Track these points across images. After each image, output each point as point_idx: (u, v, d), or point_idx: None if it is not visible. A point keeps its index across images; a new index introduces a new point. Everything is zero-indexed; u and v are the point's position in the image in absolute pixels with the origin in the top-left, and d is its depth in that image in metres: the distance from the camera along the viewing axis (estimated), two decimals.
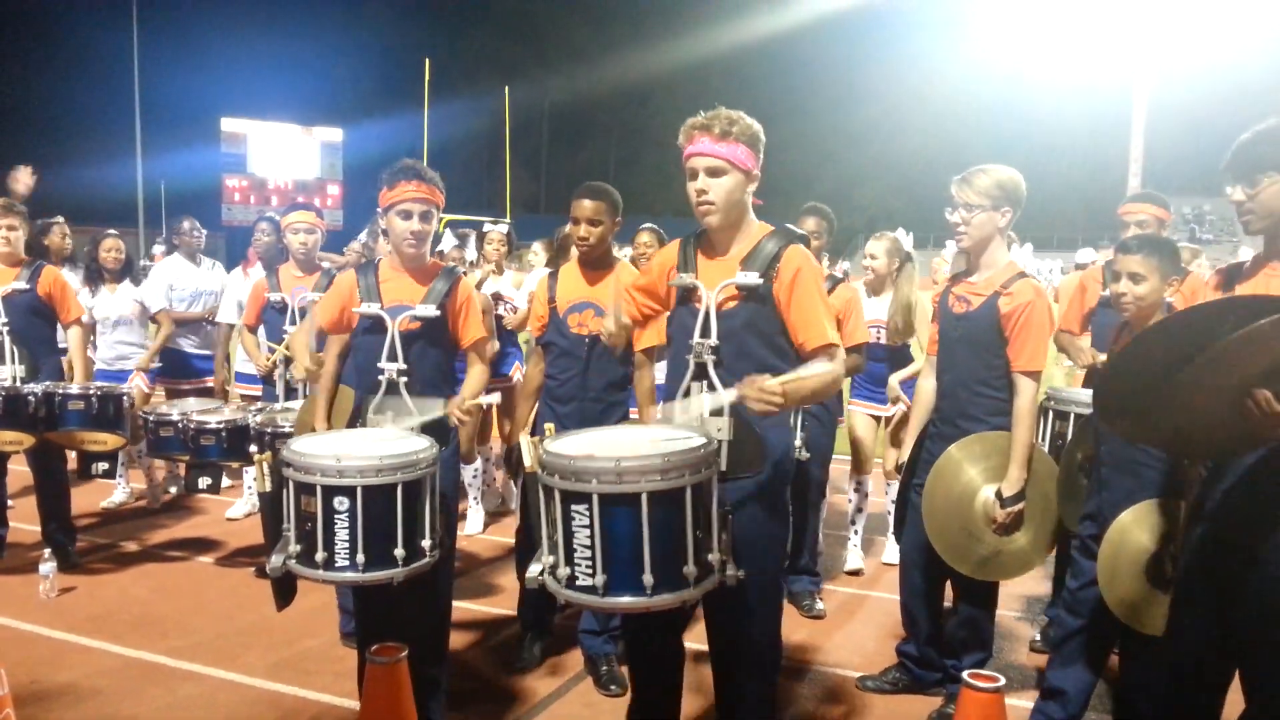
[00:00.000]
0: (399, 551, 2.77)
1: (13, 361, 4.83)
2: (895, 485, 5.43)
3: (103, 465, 5.07)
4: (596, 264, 3.83)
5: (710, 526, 2.43)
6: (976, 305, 3.43)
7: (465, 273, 4.37)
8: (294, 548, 2.80)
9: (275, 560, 2.82)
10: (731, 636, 2.81)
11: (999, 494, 3.38)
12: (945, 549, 3.47)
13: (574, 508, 2.33)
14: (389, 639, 2.96)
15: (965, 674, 2.31)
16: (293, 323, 4.98)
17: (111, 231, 6.38)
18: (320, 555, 2.72)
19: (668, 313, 2.98)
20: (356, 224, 5.59)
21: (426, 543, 2.87)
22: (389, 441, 2.94)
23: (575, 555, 2.35)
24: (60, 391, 4.79)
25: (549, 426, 3.31)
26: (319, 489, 2.71)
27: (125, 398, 4.98)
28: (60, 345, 5.37)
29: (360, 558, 2.72)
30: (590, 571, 2.34)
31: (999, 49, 42.94)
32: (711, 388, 2.68)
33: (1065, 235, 43.55)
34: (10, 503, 5.44)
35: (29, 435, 4.71)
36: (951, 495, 3.45)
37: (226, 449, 4.74)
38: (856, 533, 5.55)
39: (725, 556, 2.47)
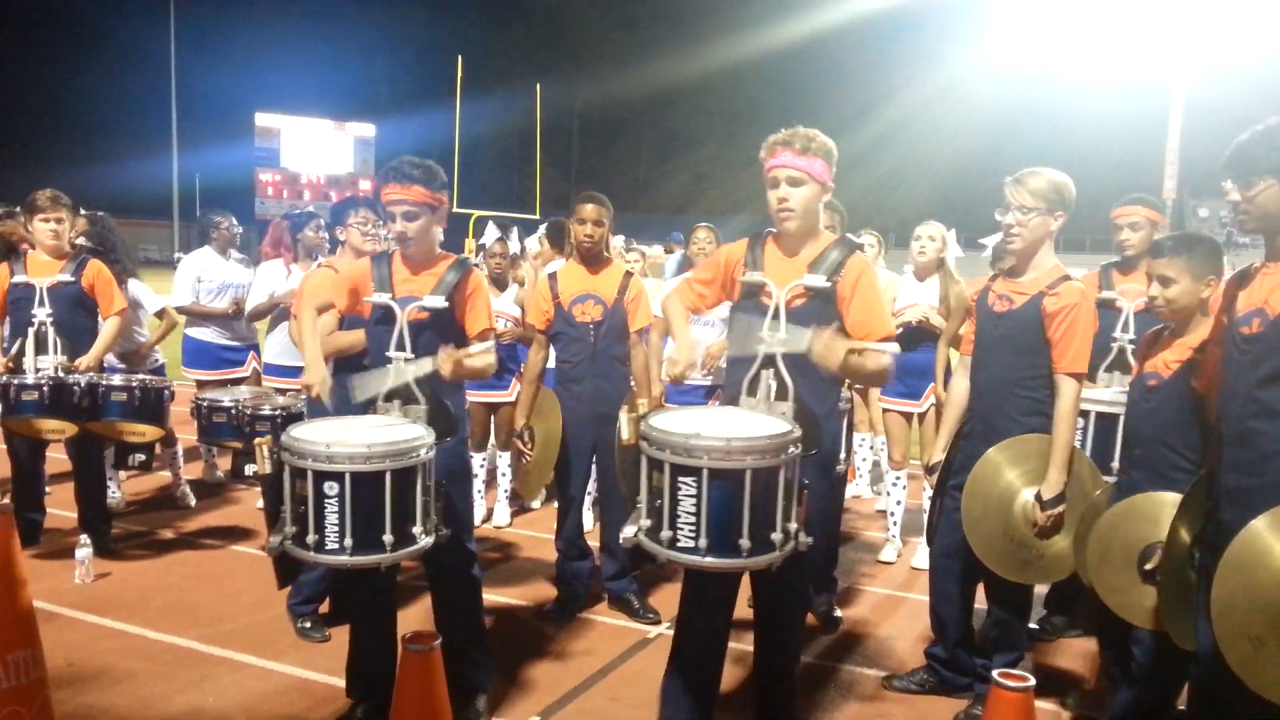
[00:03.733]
0: (387, 537, 2.89)
1: (55, 351, 4.91)
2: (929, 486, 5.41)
3: (139, 457, 5.14)
4: (596, 260, 4.47)
5: (791, 498, 2.72)
6: (1019, 304, 3.41)
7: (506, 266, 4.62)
8: (289, 529, 2.93)
9: (273, 540, 2.95)
10: (791, 598, 3.20)
11: (1039, 497, 3.37)
12: (987, 554, 3.45)
13: (682, 479, 2.63)
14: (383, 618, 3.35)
15: (995, 673, 2.29)
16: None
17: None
18: (311, 537, 2.87)
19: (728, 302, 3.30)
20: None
21: (418, 529, 2.99)
22: (384, 429, 3.06)
23: (679, 520, 2.65)
24: (104, 383, 4.87)
25: (641, 403, 3.43)
26: (310, 473, 2.84)
27: (166, 391, 5.05)
28: None
29: (348, 541, 2.86)
30: (693, 535, 2.63)
31: (1032, 49, 42.48)
32: (779, 377, 2.99)
33: (1100, 238, 43.03)
34: (47, 489, 5.53)
35: (72, 424, 4.80)
36: (991, 500, 3.43)
37: None
38: (895, 523, 5.54)
39: (799, 525, 2.77)
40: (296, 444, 2.88)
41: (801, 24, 48.37)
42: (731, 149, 56.35)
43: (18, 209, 5.52)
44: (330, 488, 2.83)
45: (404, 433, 3.04)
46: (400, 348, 3.29)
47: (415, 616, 4.39)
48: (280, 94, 48.57)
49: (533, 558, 5.41)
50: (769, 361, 3.01)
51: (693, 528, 2.63)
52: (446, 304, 3.33)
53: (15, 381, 4.72)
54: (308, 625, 4.19)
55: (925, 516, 5.44)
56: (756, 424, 2.79)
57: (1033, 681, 2.25)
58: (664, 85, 54.18)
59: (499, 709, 3.59)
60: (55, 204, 5.07)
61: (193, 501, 6.26)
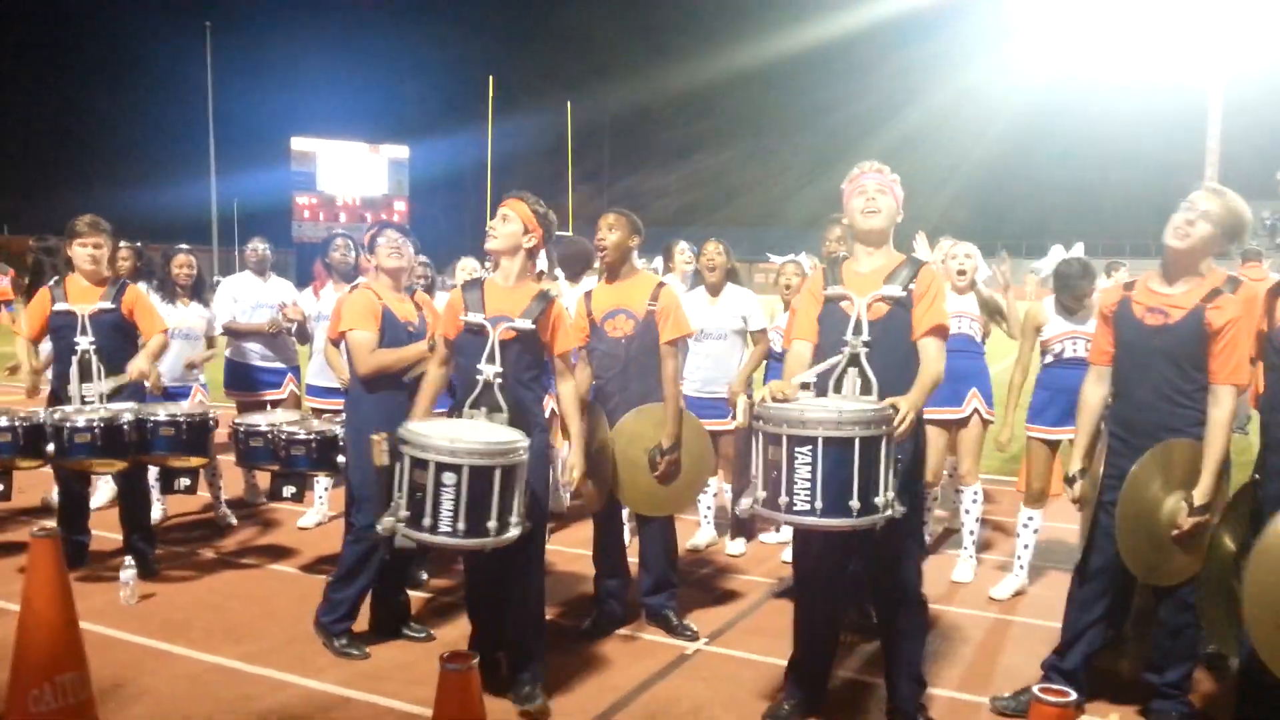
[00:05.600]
0: (491, 524, 3.24)
1: (99, 378, 5.00)
2: (969, 497, 5.31)
3: (185, 481, 5.23)
4: (615, 272, 4.46)
5: (889, 468, 3.05)
6: (1176, 319, 3.39)
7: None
8: (403, 513, 3.27)
9: (386, 520, 3.30)
10: (896, 568, 3.49)
11: (1189, 501, 3.34)
12: (1128, 554, 3.39)
13: (799, 449, 2.97)
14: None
15: (1036, 688, 2.26)
16: None
17: (183, 247, 6.41)
18: (427, 521, 3.20)
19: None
20: (422, 239, 5.59)
21: (514, 519, 3.33)
22: (491, 430, 3.45)
23: (796, 487, 2.98)
24: (151, 419, 4.90)
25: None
26: (431, 465, 3.17)
27: (210, 420, 5.12)
28: None
29: (461, 525, 3.20)
30: (809, 500, 2.97)
31: (1066, 50, 42.03)
32: (863, 374, 3.35)
33: (1138, 242, 42.44)
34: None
35: (121, 460, 4.89)
36: (1143, 505, 3.38)
37: (316, 459, 4.86)
38: (928, 535, 5.48)
39: (895, 494, 3.08)
40: (419, 438, 3.20)
41: (827, 28, 48.30)
42: (759, 157, 56.35)
43: None
44: (448, 478, 3.16)
45: (507, 435, 3.40)
46: (490, 361, 3.67)
47: (453, 636, 4.42)
48: (315, 118, 49.34)
49: (568, 574, 5.41)
50: (854, 360, 3.35)
51: (808, 493, 2.96)
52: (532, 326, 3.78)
53: (67, 425, 4.70)
54: (344, 643, 4.22)
55: (966, 531, 5.38)
56: (856, 404, 3.16)
57: (1074, 696, 2.21)
58: (692, 96, 54.38)
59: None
60: (94, 229, 5.18)
61: (233, 521, 6.34)
